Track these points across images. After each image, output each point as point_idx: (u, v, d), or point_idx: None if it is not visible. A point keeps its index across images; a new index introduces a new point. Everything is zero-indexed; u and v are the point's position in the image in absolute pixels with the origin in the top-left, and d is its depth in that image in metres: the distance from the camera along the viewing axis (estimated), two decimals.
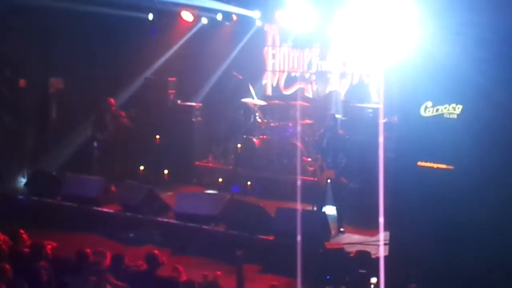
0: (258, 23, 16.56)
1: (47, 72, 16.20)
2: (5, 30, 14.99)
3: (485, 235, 8.83)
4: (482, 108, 8.82)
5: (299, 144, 14.42)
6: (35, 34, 15.48)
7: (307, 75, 16.58)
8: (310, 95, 16.31)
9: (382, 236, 9.98)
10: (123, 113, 15.37)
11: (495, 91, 8.75)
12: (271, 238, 11.63)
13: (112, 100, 15.26)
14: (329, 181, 12.24)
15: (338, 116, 13.23)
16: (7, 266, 7.88)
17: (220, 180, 15.01)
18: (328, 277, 10.21)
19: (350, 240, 11.76)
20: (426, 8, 9.05)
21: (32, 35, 15.42)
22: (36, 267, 8.33)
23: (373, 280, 9.95)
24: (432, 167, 9.28)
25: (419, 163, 9.41)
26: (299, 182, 12.42)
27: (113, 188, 13.76)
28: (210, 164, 15.90)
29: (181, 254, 11.38)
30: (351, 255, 10.80)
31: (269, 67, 17.18)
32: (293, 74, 16.91)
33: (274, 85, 17.15)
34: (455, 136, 9.02)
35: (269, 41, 17.13)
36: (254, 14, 16.13)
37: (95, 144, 15.44)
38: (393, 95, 10.57)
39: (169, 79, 16.42)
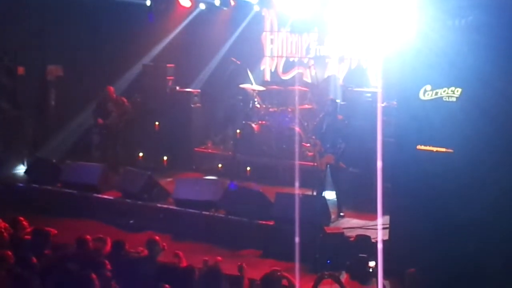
0: (256, 8, 16.55)
1: (46, 60, 16.18)
2: (3, 17, 14.92)
3: (485, 219, 8.83)
4: (481, 91, 8.81)
5: (298, 129, 14.42)
6: (33, 21, 15.43)
7: (305, 60, 16.57)
8: (309, 80, 16.30)
9: (381, 220, 10.03)
10: (125, 100, 15.34)
11: (494, 74, 8.74)
12: (271, 223, 11.64)
13: (111, 88, 15.22)
14: (328, 166, 12.26)
15: (337, 101, 13.21)
16: (9, 252, 7.89)
17: (220, 166, 15.03)
18: (328, 261, 10.24)
19: (350, 224, 11.78)
20: None
21: (31, 22, 15.37)
22: (40, 255, 8.35)
23: (371, 263, 10.00)
24: (432, 151, 9.29)
25: (419, 147, 9.41)
26: (298, 167, 12.42)
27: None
28: (209, 150, 15.91)
29: (181, 240, 11.40)
30: (351, 239, 10.83)
31: (267, 52, 17.15)
32: (291, 59, 16.90)
33: (273, 70, 17.14)
34: (454, 120, 9.02)
35: (267, 26, 17.10)
36: None
37: (97, 130, 15.42)
38: (392, 79, 10.56)
39: (167, 65, 16.40)
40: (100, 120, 14.97)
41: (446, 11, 8.90)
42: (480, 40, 8.70)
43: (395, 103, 11.85)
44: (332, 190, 12.59)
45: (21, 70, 15.58)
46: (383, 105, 12.51)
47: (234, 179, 13.31)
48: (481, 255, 8.90)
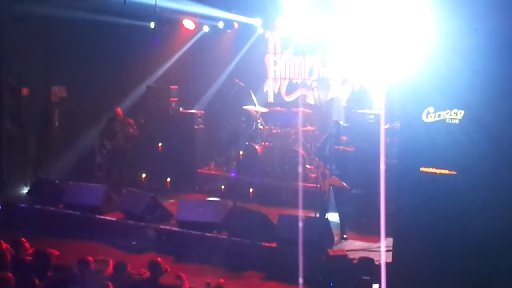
0: (260, 30, 16.63)
1: (50, 81, 16.23)
2: (9, 38, 15.01)
3: (488, 241, 8.80)
4: (484, 113, 8.81)
5: (301, 150, 14.42)
6: (38, 42, 15.51)
7: (308, 82, 16.62)
8: (312, 102, 16.33)
9: (384, 242, 9.99)
10: (131, 121, 15.41)
11: (497, 96, 8.73)
12: (273, 245, 11.61)
13: (119, 110, 15.34)
14: (331, 187, 12.24)
15: (341, 122, 13.22)
16: (9, 274, 7.87)
17: (222, 187, 15.02)
18: (331, 284, 10.19)
19: (353, 246, 11.75)
20: (428, 15, 9.06)
21: (35, 43, 15.45)
22: (42, 276, 8.33)
23: (375, 286, 9.95)
24: (435, 173, 9.27)
25: (422, 169, 9.38)
26: (301, 189, 12.41)
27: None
28: (212, 172, 15.92)
29: (184, 261, 11.37)
30: (355, 261, 10.77)
31: (271, 74, 17.21)
32: (294, 81, 16.96)
33: (276, 92, 17.19)
34: (457, 142, 9.00)
35: (271, 48, 17.18)
36: (255, 21, 16.20)
37: (104, 151, 15.46)
38: (395, 101, 10.56)
39: (171, 87, 16.45)
40: (105, 142, 15.06)
41: (448, 33, 8.93)
42: (482, 62, 8.72)
43: (398, 125, 11.87)
44: (335, 212, 12.57)
45: (25, 91, 15.63)
46: (386, 127, 12.52)
47: (237, 200, 13.31)
48: (485, 278, 8.85)
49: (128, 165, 15.68)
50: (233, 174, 13.49)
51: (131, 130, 15.26)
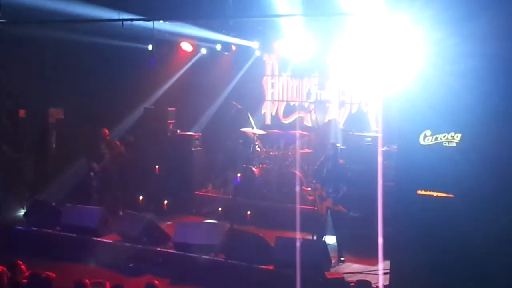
0: (257, 53, 16.73)
1: (47, 103, 16.27)
2: (6, 60, 15.06)
3: (487, 264, 8.78)
4: (481, 136, 8.83)
5: (298, 173, 14.42)
6: (35, 64, 15.57)
7: (306, 104, 16.65)
8: (309, 124, 16.35)
9: (382, 265, 9.97)
10: (118, 143, 15.40)
11: (493, 119, 8.76)
12: (271, 267, 11.56)
13: (106, 131, 15.29)
14: (328, 210, 12.22)
15: (338, 145, 13.23)
16: None
17: (220, 209, 14.98)
18: None
19: (351, 269, 11.70)
20: (425, 38, 9.11)
21: (32, 66, 15.51)
22: None
23: None
24: (432, 196, 9.27)
25: (419, 192, 9.39)
26: (298, 211, 12.38)
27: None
28: (210, 194, 15.90)
29: (180, 284, 11.31)
30: (352, 284, 10.72)
31: (268, 96, 17.26)
32: (292, 104, 16.99)
33: (273, 114, 17.22)
34: (454, 165, 9.02)
35: (268, 70, 17.24)
36: (253, 44, 16.30)
37: (92, 174, 15.44)
38: (392, 124, 10.60)
39: (169, 109, 16.48)
40: (94, 165, 15.05)
41: (445, 57, 8.96)
42: (479, 86, 8.75)
43: (395, 147, 11.88)
44: (332, 234, 12.54)
45: (22, 113, 15.66)
46: (383, 149, 12.53)
47: (234, 223, 13.28)
48: None
49: (123, 187, 15.65)
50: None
51: (117, 151, 15.24)
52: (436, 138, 9.20)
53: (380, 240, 9.58)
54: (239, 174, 14.24)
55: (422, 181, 9.37)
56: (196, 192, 15.86)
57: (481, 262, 8.78)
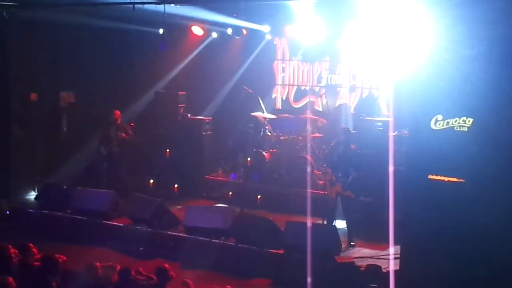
0: (268, 37, 16.66)
1: (58, 86, 16.27)
2: (17, 44, 15.06)
3: (498, 249, 8.76)
4: (493, 121, 8.78)
5: (309, 157, 14.41)
6: (46, 48, 15.55)
7: (316, 89, 16.60)
8: (320, 109, 16.31)
9: (392, 250, 9.96)
10: (127, 127, 15.41)
11: (506, 104, 8.71)
12: (281, 252, 11.59)
13: (118, 113, 15.29)
14: (338, 195, 12.21)
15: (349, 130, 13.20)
16: (10, 279, 7.89)
17: (230, 193, 15.01)
18: None
19: (361, 254, 11.72)
20: (436, 22, 9.05)
21: (43, 49, 15.49)
22: (48, 281, 8.34)
23: None
24: (443, 181, 9.24)
25: (430, 177, 9.36)
26: (309, 196, 12.39)
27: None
28: (220, 178, 15.92)
29: (190, 268, 11.35)
30: (362, 269, 10.75)
31: (279, 80, 17.21)
32: (302, 88, 16.94)
33: (284, 98, 17.18)
34: (465, 149, 8.98)
35: (279, 55, 17.18)
36: (264, 28, 16.23)
37: (100, 157, 15.48)
38: (403, 108, 10.55)
39: (179, 93, 16.50)
40: (101, 149, 15.11)
41: (458, 41, 8.90)
42: (491, 70, 8.69)
43: (406, 132, 11.85)
44: (343, 219, 12.54)
45: (33, 96, 15.68)
46: (394, 134, 12.49)
47: (245, 207, 13.30)
48: (493, 285, 8.81)
49: (134, 171, 15.68)
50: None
51: (123, 135, 15.25)
52: (448, 123, 9.16)
53: (391, 224, 9.55)
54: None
55: (433, 166, 9.34)
56: (206, 176, 15.89)
57: (492, 247, 8.76)
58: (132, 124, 15.75)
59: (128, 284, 8.75)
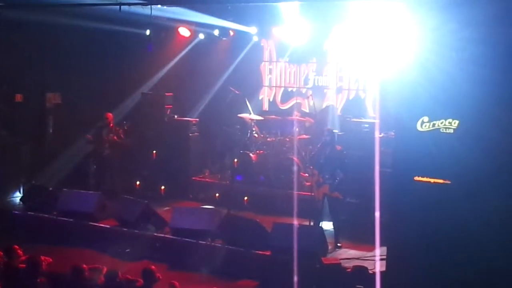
0: (255, 38, 16.68)
1: (44, 87, 16.21)
2: (2, 44, 14.99)
3: (483, 250, 8.80)
4: (479, 123, 8.82)
5: (296, 159, 14.42)
6: (32, 49, 15.49)
7: (303, 90, 16.62)
8: (307, 110, 16.33)
9: (378, 251, 9.99)
10: (119, 129, 15.38)
11: (491, 106, 8.75)
12: (267, 253, 11.58)
13: (110, 115, 15.28)
14: (325, 196, 12.22)
15: (335, 131, 13.22)
16: None
17: (217, 195, 14.99)
18: None
19: (347, 255, 11.73)
20: (422, 24, 9.08)
21: (29, 50, 15.43)
22: (34, 283, 8.30)
23: None
24: (429, 182, 9.27)
25: (416, 178, 9.39)
26: (295, 197, 12.40)
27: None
28: (207, 179, 15.89)
29: (177, 269, 11.33)
30: (348, 270, 10.76)
31: (266, 82, 17.22)
32: (289, 89, 16.95)
33: (271, 100, 17.19)
34: (451, 151, 9.02)
35: (266, 56, 17.19)
36: (251, 29, 16.25)
37: (91, 159, 15.43)
38: (389, 110, 10.58)
39: (166, 94, 16.46)
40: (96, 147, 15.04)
41: (443, 43, 8.94)
42: (476, 72, 8.74)
43: (392, 134, 11.88)
44: (329, 220, 12.56)
45: (19, 97, 15.61)
46: (380, 135, 12.53)
47: (231, 209, 13.29)
48: (480, 285, 8.85)
49: (120, 173, 15.64)
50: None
51: (115, 137, 15.21)
52: (434, 125, 9.19)
53: (377, 226, 9.58)
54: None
55: (419, 168, 9.37)
56: (193, 178, 15.86)
57: (478, 248, 8.79)
58: (126, 127, 15.70)
59: (115, 286, 8.72)
